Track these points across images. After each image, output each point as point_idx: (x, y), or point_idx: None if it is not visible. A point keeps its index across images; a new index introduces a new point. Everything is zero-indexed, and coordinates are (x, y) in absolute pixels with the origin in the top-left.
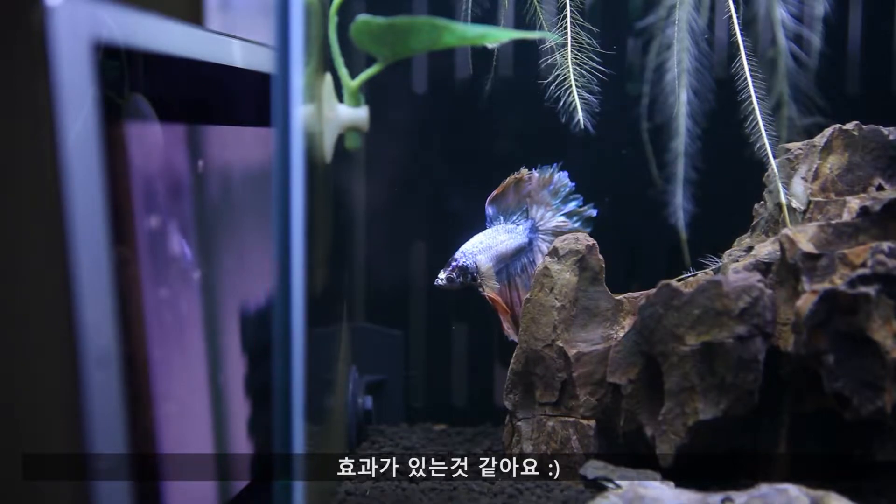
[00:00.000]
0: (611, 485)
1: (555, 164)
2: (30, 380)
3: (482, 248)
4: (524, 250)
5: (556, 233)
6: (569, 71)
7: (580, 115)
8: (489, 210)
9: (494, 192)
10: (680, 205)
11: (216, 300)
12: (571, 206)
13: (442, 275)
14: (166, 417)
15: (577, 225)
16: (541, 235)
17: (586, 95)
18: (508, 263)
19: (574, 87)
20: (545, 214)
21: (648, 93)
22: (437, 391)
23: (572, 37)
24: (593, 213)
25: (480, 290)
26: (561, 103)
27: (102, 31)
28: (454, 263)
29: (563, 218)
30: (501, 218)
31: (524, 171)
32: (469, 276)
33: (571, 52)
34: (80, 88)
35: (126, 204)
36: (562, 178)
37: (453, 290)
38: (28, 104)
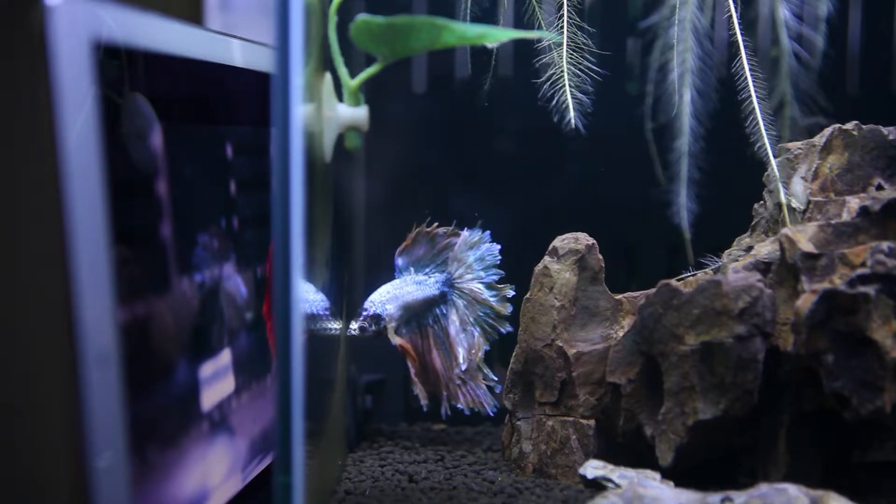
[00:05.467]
0: (610, 484)
1: (487, 233)
2: (30, 380)
3: (389, 298)
4: (436, 302)
5: (473, 296)
6: (563, 70)
7: (571, 114)
8: (398, 261)
9: (403, 244)
10: (683, 204)
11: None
12: (492, 278)
13: (354, 325)
14: None
15: (493, 299)
16: (457, 291)
17: (579, 95)
18: (419, 314)
19: (567, 87)
20: (463, 274)
21: (652, 92)
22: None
23: (569, 36)
24: (510, 293)
25: (388, 337)
26: (553, 102)
27: (102, 31)
28: (365, 313)
29: (481, 286)
30: (412, 269)
31: (435, 226)
32: (380, 323)
33: (567, 51)
34: (79, 88)
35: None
36: (491, 249)
37: (366, 339)
38: (28, 104)
